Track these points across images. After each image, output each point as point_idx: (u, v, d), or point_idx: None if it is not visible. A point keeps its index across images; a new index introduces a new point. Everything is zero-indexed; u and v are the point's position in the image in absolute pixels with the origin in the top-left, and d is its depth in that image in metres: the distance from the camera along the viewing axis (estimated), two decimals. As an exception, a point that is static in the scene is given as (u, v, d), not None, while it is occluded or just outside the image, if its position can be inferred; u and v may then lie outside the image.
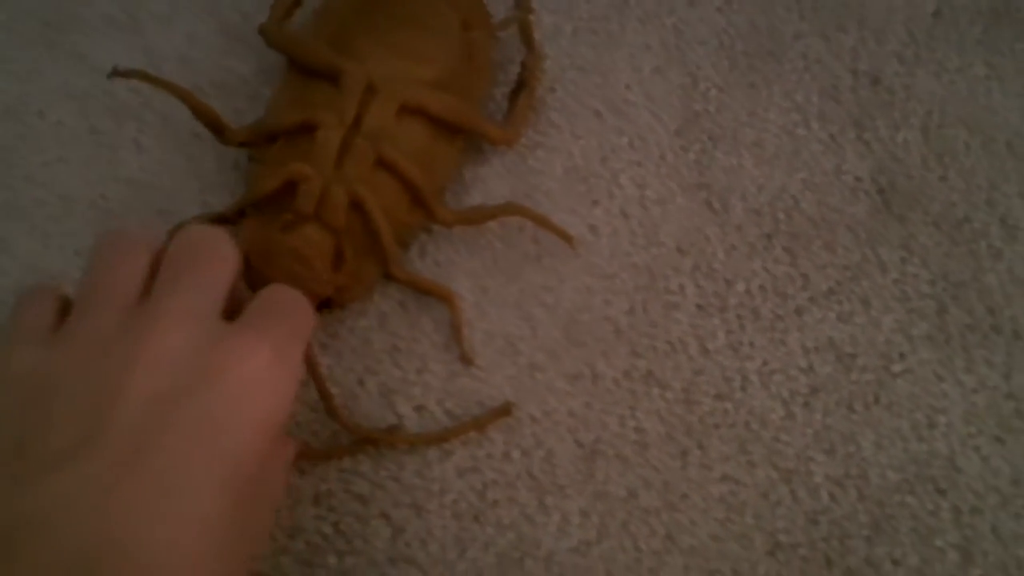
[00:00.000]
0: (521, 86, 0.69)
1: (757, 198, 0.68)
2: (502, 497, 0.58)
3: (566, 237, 0.64)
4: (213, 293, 0.48)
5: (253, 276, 0.59)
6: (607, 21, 0.74)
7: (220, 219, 0.62)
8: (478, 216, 0.64)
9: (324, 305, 0.61)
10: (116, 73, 0.62)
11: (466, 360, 0.62)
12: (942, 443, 0.61)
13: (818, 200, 0.68)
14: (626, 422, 0.61)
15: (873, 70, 0.73)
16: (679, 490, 0.59)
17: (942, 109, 0.72)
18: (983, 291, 0.65)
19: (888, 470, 0.60)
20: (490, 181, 0.68)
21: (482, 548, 0.57)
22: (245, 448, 0.45)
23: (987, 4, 0.76)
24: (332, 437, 0.59)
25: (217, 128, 0.63)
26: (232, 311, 0.49)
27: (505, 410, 0.60)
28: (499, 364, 0.62)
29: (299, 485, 0.58)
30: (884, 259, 0.66)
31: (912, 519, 0.59)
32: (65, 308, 0.49)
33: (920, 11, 0.76)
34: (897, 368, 0.63)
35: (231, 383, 0.45)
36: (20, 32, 0.72)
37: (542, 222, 0.64)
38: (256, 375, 0.46)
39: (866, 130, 0.71)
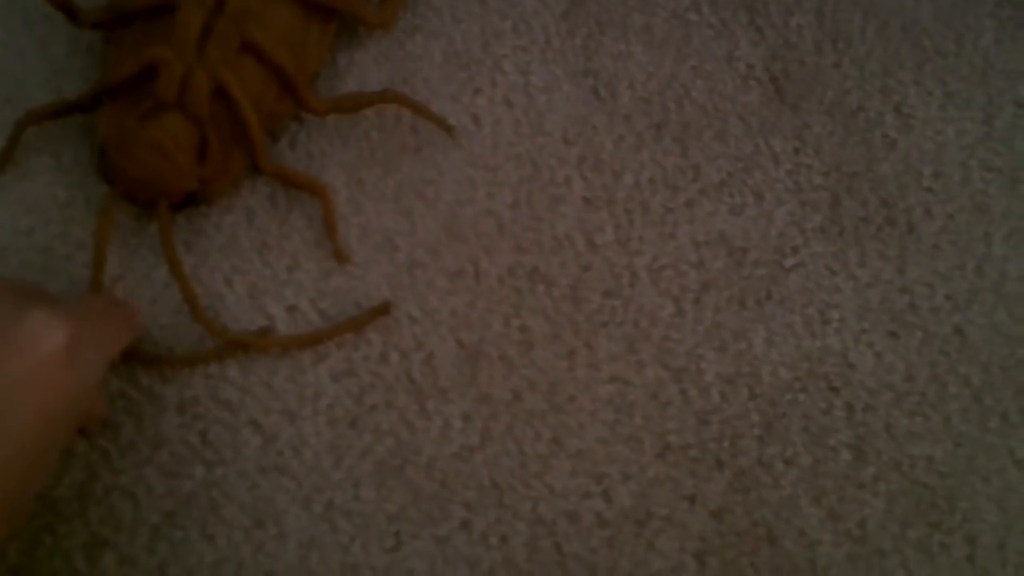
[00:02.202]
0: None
1: (646, 86, 0.66)
2: (380, 402, 0.57)
3: (446, 127, 0.62)
4: None
5: (110, 168, 0.56)
6: None
7: (73, 107, 0.59)
8: (352, 104, 0.62)
9: (188, 200, 0.58)
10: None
11: (340, 257, 0.60)
12: (835, 339, 0.61)
13: (709, 88, 0.67)
14: (510, 321, 0.59)
15: (767, -49, 0.72)
16: (566, 392, 0.58)
17: (837, -7, 0.71)
18: (877, 182, 0.65)
19: (780, 368, 0.60)
20: (365, 67, 0.65)
21: (359, 456, 0.56)
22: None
23: None
24: (197, 342, 0.57)
25: (68, 8, 0.59)
26: None
27: (383, 310, 0.58)
28: (376, 261, 0.60)
29: (162, 392, 0.56)
30: (777, 150, 0.65)
31: (804, 418, 0.59)
32: None
33: None
34: (790, 262, 0.63)
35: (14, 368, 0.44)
36: None
37: (421, 111, 0.62)
38: (42, 370, 0.45)
39: (758, 15, 0.69)
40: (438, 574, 0.54)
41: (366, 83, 0.64)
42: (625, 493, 0.56)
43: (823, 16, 0.70)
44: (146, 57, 0.56)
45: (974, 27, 0.70)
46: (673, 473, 0.57)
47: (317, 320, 0.58)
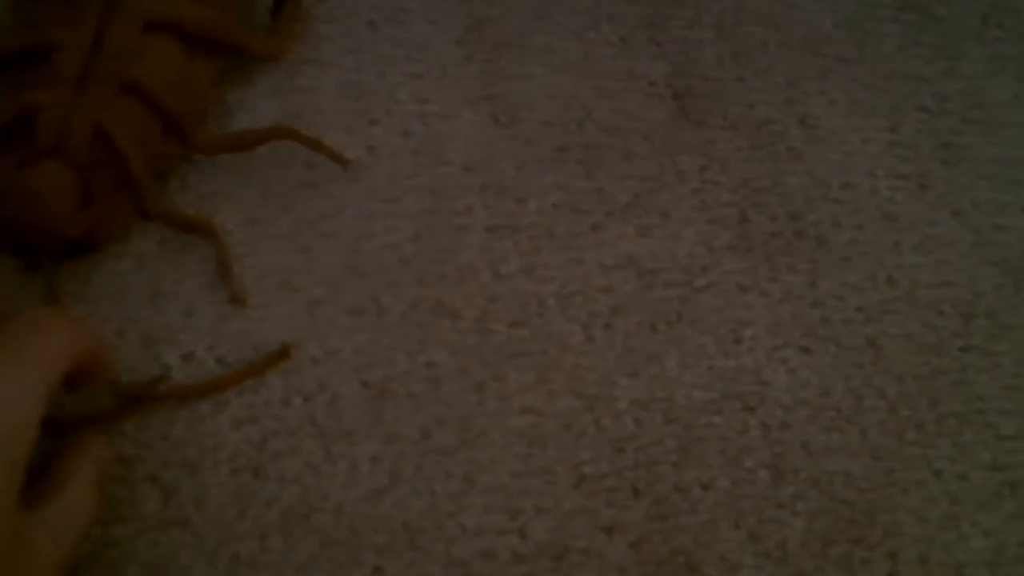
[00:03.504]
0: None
1: (547, 109, 0.67)
2: (284, 448, 0.57)
3: (341, 160, 0.62)
4: None
5: (-10, 220, 0.55)
6: (377, -79, 0.71)
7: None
8: (244, 141, 0.62)
9: (76, 249, 0.58)
10: None
11: (237, 300, 0.59)
12: (748, 358, 0.61)
13: (612, 108, 0.67)
14: (416, 357, 0.59)
15: (664, -34, 0.72)
16: (476, 427, 0.58)
17: (737, 5, 0.72)
18: (785, 196, 0.66)
19: (694, 390, 0.60)
20: (256, 102, 0.65)
21: (264, 505, 0.55)
22: None
23: None
24: (90, 398, 0.56)
25: (-62, 54, 0.59)
26: None
27: (283, 353, 0.58)
28: (274, 302, 0.60)
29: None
30: (682, 168, 0.66)
31: (720, 440, 0.59)
32: None
33: (711, -99, 0.76)
34: (700, 282, 0.63)
35: None
36: None
37: (314, 145, 0.62)
38: None
39: (659, 31, 0.70)
40: (351, 623, 0.54)
41: (258, 118, 0.64)
42: (541, 528, 0.56)
43: (724, 30, 0.70)
44: (23, 102, 0.56)
45: (876, 33, 0.72)
46: (589, 504, 0.57)
47: (215, 367, 0.58)
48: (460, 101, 0.66)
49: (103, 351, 0.52)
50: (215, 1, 0.62)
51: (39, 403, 0.45)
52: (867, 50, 0.71)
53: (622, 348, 0.61)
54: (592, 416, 0.59)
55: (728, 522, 0.57)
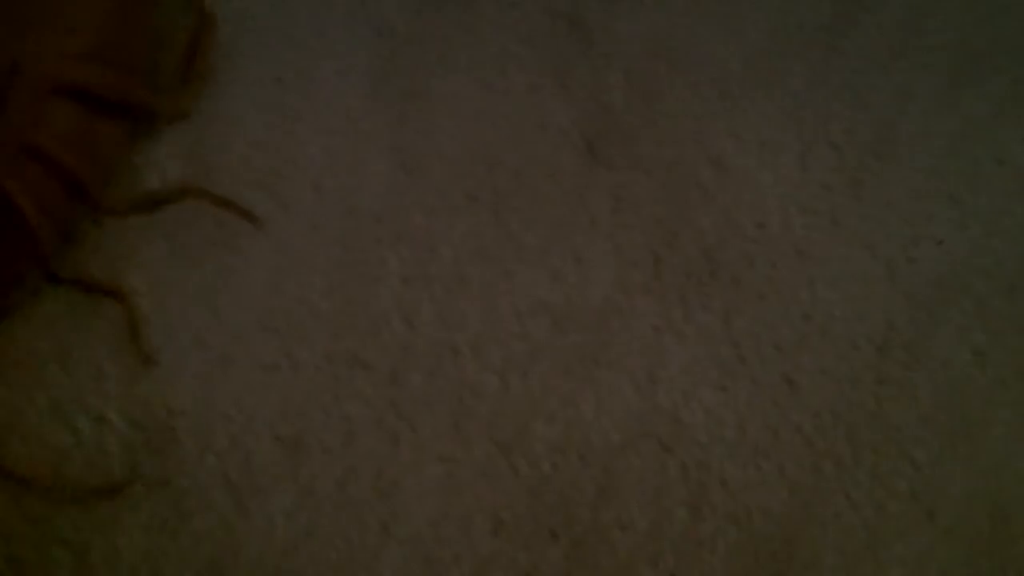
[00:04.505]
0: (192, 51, 0.68)
1: (456, 156, 0.68)
2: (197, 506, 0.57)
3: (251, 217, 0.63)
4: None
5: None
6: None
7: None
8: (152, 201, 0.63)
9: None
10: None
11: (147, 361, 0.60)
12: (665, 398, 0.63)
13: (521, 154, 0.69)
14: (330, 410, 0.61)
15: (571, 12, 0.74)
16: (391, 477, 0.59)
17: (644, 49, 0.74)
18: (697, 235, 0.68)
19: (611, 432, 0.62)
20: (164, 162, 0.66)
21: (178, 564, 0.56)
22: None
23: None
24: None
25: None
26: None
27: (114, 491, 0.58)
28: (185, 361, 0.61)
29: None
30: (594, 211, 0.68)
31: (638, 480, 0.61)
32: None
33: (615, -53, 0.78)
34: (615, 324, 0.65)
35: None
36: None
37: (223, 203, 0.63)
38: None
39: (567, 77, 0.72)
40: None
41: (166, 178, 0.65)
42: (458, 575, 0.57)
43: (631, 74, 0.72)
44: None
45: (783, 71, 0.74)
46: (507, 549, 0.58)
47: (127, 430, 0.59)
48: (369, 153, 0.68)
49: None
50: (117, 60, 0.63)
51: None
52: (775, 89, 0.73)
53: (538, 392, 0.62)
54: (508, 461, 0.60)
55: (647, 562, 0.58)
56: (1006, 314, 0.66)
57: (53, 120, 0.60)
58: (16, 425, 0.58)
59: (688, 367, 0.64)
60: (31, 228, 0.58)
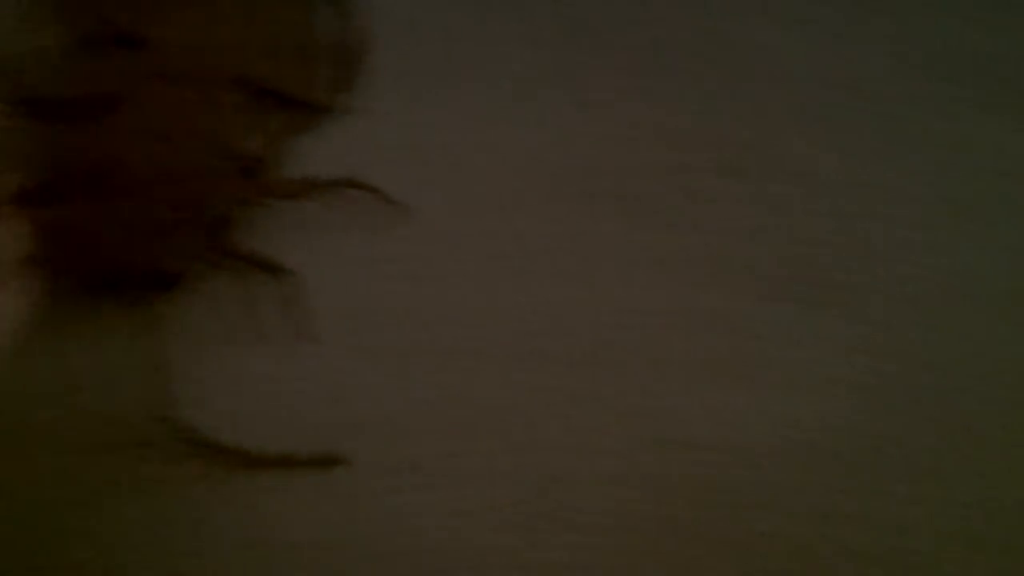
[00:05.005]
0: (347, 50, 0.69)
1: (623, 160, 0.69)
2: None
3: (402, 207, 0.67)
4: None
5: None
6: None
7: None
8: (313, 189, 0.66)
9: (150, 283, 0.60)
10: None
11: (304, 337, 0.61)
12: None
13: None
14: (491, 399, 0.60)
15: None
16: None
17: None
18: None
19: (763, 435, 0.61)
20: (324, 153, 0.68)
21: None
22: None
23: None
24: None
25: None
26: None
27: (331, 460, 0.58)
28: (341, 341, 0.61)
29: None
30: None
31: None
32: None
33: None
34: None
35: None
36: None
37: (377, 193, 0.67)
38: None
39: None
40: None
41: (326, 167, 0.68)
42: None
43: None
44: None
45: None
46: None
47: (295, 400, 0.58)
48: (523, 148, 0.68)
49: None
50: (287, 61, 0.64)
51: None
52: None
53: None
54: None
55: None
56: None
57: (232, 109, 0.60)
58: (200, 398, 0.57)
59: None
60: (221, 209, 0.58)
